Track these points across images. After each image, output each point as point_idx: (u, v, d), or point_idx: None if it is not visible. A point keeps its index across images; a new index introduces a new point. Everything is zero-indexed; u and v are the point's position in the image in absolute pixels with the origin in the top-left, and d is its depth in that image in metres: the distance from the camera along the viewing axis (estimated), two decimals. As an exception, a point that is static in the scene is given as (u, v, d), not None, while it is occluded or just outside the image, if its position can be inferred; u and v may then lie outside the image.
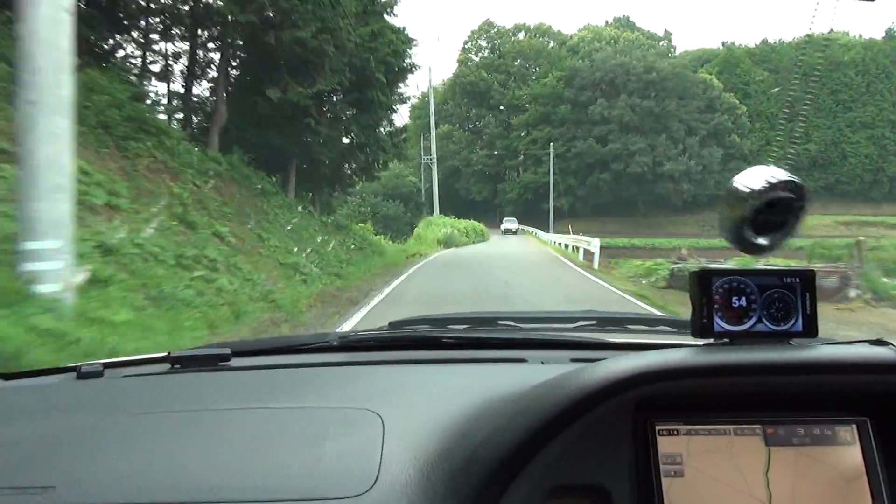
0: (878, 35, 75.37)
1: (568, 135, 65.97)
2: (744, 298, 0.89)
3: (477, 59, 76.40)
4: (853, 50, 71.67)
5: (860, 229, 66.09)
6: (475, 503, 0.79)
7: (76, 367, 1.32)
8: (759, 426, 0.89)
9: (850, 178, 69.20)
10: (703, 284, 0.89)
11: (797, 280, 0.90)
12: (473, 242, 33.36)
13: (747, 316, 0.89)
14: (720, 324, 0.89)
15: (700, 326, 0.89)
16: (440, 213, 48.94)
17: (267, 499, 0.82)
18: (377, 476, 0.85)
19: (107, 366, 1.34)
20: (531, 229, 48.06)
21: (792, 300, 0.89)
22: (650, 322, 1.77)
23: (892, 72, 69.80)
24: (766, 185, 0.86)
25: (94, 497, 0.82)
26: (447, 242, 27.40)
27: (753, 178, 0.87)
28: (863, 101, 69.92)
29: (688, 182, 62.70)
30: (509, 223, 51.92)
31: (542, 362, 1.34)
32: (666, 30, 70.55)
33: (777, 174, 0.86)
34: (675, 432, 0.88)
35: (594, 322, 1.72)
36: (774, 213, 0.86)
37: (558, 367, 1.16)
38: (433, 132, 39.22)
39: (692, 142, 63.00)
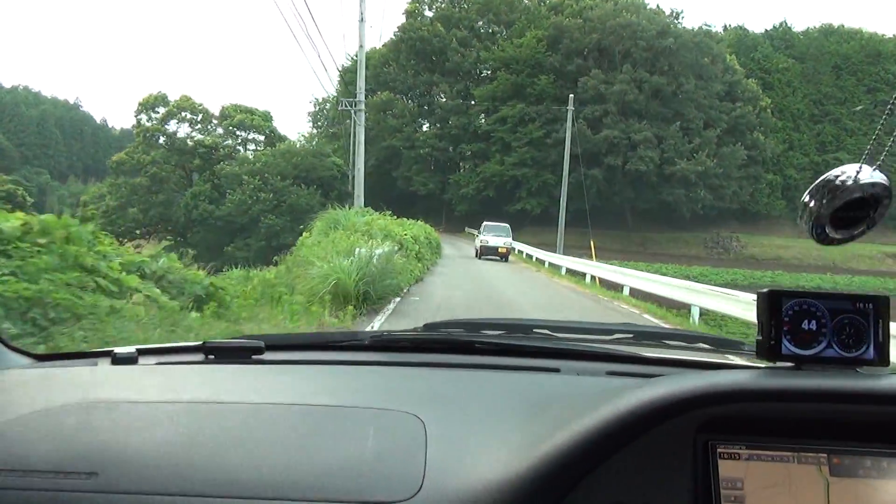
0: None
1: (547, 115, 49.40)
2: (814, 322, 0.87)
3: (431, 13, 58.79)
4: None
5: None
6: None
7: (110, 351, 1.31)
8: (823, 455, 0.85)
9: (887, 199, 55.48)
10: (772, 306, 0.87)
11: (870, 306, 0.87)
12: (426, 267, 16.30)
13: (817, 340, 0.87)
14: (788, 347, 0.87)
15: (767, 348, 0.87)
16: (365, 205, 31.39)
17: (309, 498, 0.82)
18: (422, 481, 0.84)
19: (140, 352, 1.33)
20: (531, 250, 29.61)
21: (864, 326, 0.87)
22: (688, 339, 1.67)
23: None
24: (862, 183, 0.86)
25: (137, 486, 0.83)
26: (377, 277, 8.84)
27: (849, 174, 0.87)
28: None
29: (703, 188, 47.14)
30: (495, 235, 27.50)
31: (577, 373, 1.30)
32: (673, 9, 54.76)
33: (872, 175, 0.87)
34: (737, 456, 0.85)
35: (631, 335, 1.63)
36: (857, 210, 0.87)
37: (594, 379, 1.21)
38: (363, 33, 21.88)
39: (710, 135, 47.50)
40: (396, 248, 12.52)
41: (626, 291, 14.50)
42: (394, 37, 57.84)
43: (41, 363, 1.32)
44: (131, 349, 1.32)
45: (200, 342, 1.39)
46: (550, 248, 31.58)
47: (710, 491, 0.83)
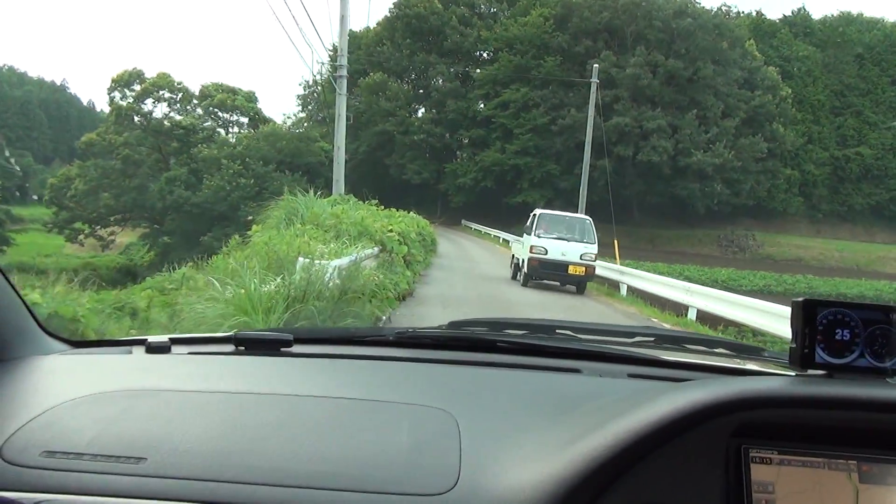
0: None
1: (554, 100, 45.70)
2: (847, 332, 0.88)
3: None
4: (921, 30, 54.65)
5: None
6: None
7: (143, 339, 1.36)
8: (854, 462, 0.86)
9: (908, 199, 52.05)
10: (807, 314, 0.88)
11: None
12: (417, 274, 12.32)
13: (849, 350, 0.88)
14: (821, 355, 0.88)
15: (801, 356, 0.89)
16: (349, 192, 27.62)
17: (347, 488, 0.83)
18: (458, 475, 0.86)
19: (173, 341, 1.36)
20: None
21: None
22: (709, 343, 1.65)
23: (972, 62, 53.12)
24: None
25: (183, 471, 0.85)
26: (331, 306, 5.02)
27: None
28: (933, 98, 52.89)
29: (720, 182, 43.56)
30: (562, 237, 14.07)
31: (599, 375, 1.32)
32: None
33: None
34: (769, 461, 0.87)
35: (652, 339, 1.63)
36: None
37: (615, 381, 1.23)
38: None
39: (729, 126, 43.89)
40: (375, 251, 8.88)
41: (692, 315, 10.93)
42: (388, 14, 53.96)
43: (78, 349, 1.37)
44: (164, 338, 1.36)
45: (231, 333, 1.42)
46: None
47: (741, 494, 0.84)
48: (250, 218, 11.93)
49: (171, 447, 0.89)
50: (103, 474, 0.83)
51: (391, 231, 10.22)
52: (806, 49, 54.10)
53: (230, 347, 1.38)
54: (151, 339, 1.35)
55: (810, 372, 0.89)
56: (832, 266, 45.13)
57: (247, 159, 44.44)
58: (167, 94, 52.30)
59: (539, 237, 13.83)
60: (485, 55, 53.21)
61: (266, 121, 52.10)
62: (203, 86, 52.78)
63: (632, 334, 1.66)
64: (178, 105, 53.56)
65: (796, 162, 51.40)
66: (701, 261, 40.35)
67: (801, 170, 51.48)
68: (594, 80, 24.97)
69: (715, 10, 46.62)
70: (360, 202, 17.64)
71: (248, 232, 9.29)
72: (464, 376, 1.29)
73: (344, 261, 6.54)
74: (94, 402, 1.02)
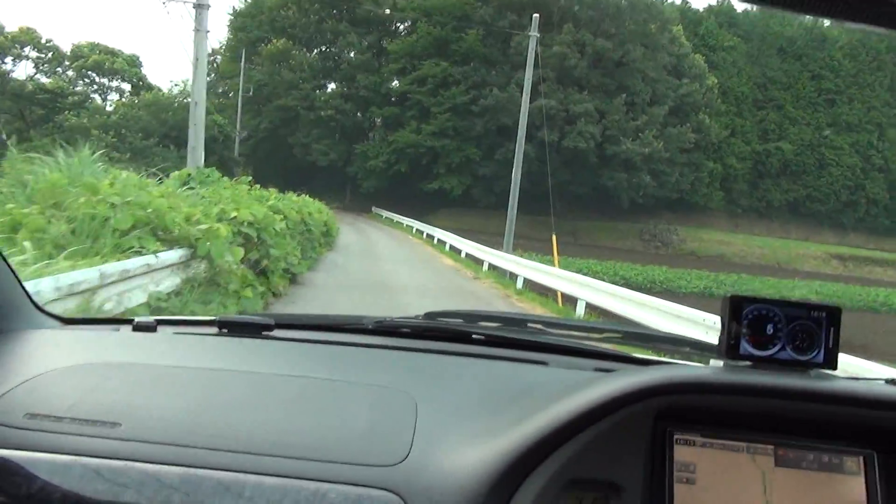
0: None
1: (475, 77, 41.94)
2: (771, 326, 0.94)
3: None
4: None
5: (861, 267, 49.40)
6: (497, 487, 0.86)
7: (131, 319, 1.42)
8: (771, 447, 0.93)
9: (826, 196, 51.79)
10: (734, 309, 0.94)
11: (824, 315, 0.95)
12: (288, 284, 8.51)
13: (772, 343, 0.94)
14: (746, 347, 0.94)
15: (727, 347, 0.95)
16: (246, 174, 22.61)
17: (308, 457, 0.90)
18: (409, 449, 0.93)
19: (159, 322, 1.42)
20: (467, 245, 19.32)
21: (816, 333, 0.94)
22: (674, 341, 1.73)
23: (886, 60, 53.32)
24: None
25: (155, 436, 0.92)
26: None
27: None
28: (849, 95, 52.77)
29: (648, 173, 41.17)
30: None
31: (567, 367, 1.37)
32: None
33: None
34: (692, 443, 0.94)
35: (620, 335, 1.71)
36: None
37: (581, 373, 1.26)
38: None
39: (658, 113, 41.54)
40: (169, 257, 4.61)
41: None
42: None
43: (68, 326, 1.45)
44: (151, 319, 1.42)
45: (216, 317, 1.47)
46: (476, 236, 24.22)
47: (664, 472, 0.92)
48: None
49: (146, 414, 0.96)
50: (79, 436, 0.90)
51: (220, 222, 5.95)
52: (732, 39, 52.85)
53: (214, 329, 1.43)
54: (139, 318, 1.41)
55: (735, 362, 0.95)
56: (754, 263, 43.89)
57: (123, 130, 38.28)
58: (33, 54, 45.26)
59: None
60: (401, 28, 48.79)
61: (151, 88, 45.67)
62: (75, 45, 45.79)
63: (601, 330, 1.71)
64: (47, 66, 46.52)
65: (719, 155, 50.02)
66: (624, 256, 37.74)
67: (723, 163, 50.18)
68: (534, 33, 21.26)
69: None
70: (229, 179, 13.15)
71: None
72: (434, 364, 1.34)
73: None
74: (77, 371, 1.08)
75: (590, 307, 9.81)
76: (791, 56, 53.04)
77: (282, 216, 9.81)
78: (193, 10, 12.94)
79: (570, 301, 11.78)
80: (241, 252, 5.97)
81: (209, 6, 13.01)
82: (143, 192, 5.19)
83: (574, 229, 45.31)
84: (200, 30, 12.91)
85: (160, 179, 10.87)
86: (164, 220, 4.93)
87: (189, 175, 12.32)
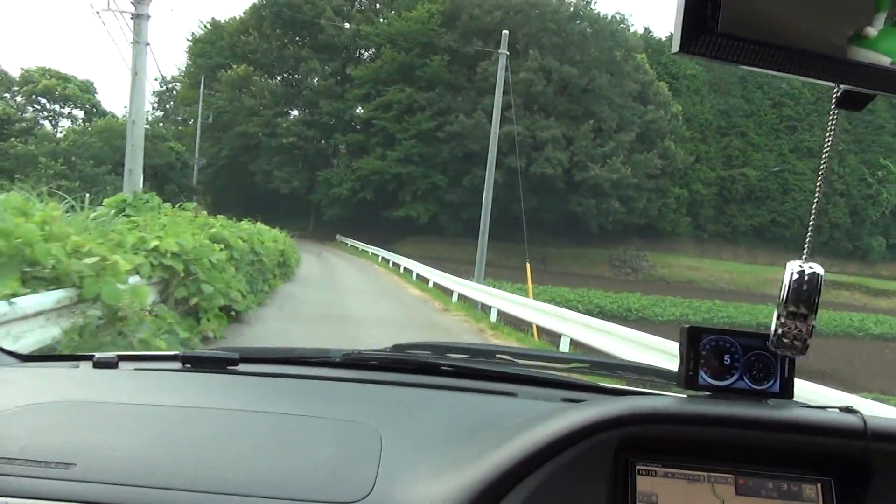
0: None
1: (441, 103, 41.26)
2: (728, 357, 0.95)
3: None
4: (797, 55, 55.40)
5: (829, 291, 49.29)
6: None
7: (91, 355, 1.37)
8: (731, 476, 0.94)
9: (790, 220, 52.06)
10: (692, 340, 0.95)
11: None
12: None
13: (730, 373, 0.95)
14: (704, 378, 0.95)
15: (686, 378, 0.95)
16: (194, 199, 21.04)
17: (272, 496, 0.88)
18: (373, 485, 0.92)
19: (120, 357, 1.37)
20: (437, 275, 18.86)
21: (772, 363, 0.95)
22: (640, 371, 1.74)
23: (843, 89, 54.23)
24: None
25: (113, 477, 0.89)
26: None
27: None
28: (810, 122, 53.49)
29: (616, 199, 40.74)
30: None
31: (534, 398, 1.36)
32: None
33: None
34: (654, 473, 0.93)
35: (587, 365, 1.72)
36: None
37: (549, 404, 1.26)
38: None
39: (624, 140, 41.31)
40: (39, 302, 3.44)
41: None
42: (256, 0, 47.60)
43: (25, 363, 1.39)
44: (112, 355, 1.37)
45: (178, 352, 1.43)
46: (445, 264, 23.21)
47: (626, 502, 0.91)
48: None
49: (102, 454, 0.93)
50: (31, 478, 0.87)
51: (135, 253, 4.74)
52: (694, 68, 53.18)
53: (177, 365, 1.39)
54: (99, 355, 1.36)
55: (693, 393, 0.96)
56: (723, 288, 43.60)
57: (73, 158, 36.54)
58: (-21, 78, 43.41)
59: None
60: (365, 54, 48.05)
61: (105, 115, 43.96)
62: (24, 69, 43.99)
63: (568, 361, 1.69)
64: (-4, 92, 44.60)
65: (685, 181, 49.99)
66: (594, 283, 37.09)
67: (689, 189, 50.17)
68: (503, 51, 20.49)
69: (610, 16, 44.09)
70: (171, 206, 11.86)
71: None
72: (401, 396, 1.32)
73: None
74: (32, 410, 1.04)
75: (574, 343, 8.81)
76: (752, 84, 53.67)
77: (221, 246, 8.59)
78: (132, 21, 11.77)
79: (547, 334, 10.82)
80: (148, 291, 4.76)
81: (149, 16, 11.86)
82: (12, 216, 3.98)
83: (543, 256, 44.52)
84: (140, 42, 11.72)
85: (95, 207, 9.67)
86: (34, 252, 3.74)
87: (124, 200, 11.10)
